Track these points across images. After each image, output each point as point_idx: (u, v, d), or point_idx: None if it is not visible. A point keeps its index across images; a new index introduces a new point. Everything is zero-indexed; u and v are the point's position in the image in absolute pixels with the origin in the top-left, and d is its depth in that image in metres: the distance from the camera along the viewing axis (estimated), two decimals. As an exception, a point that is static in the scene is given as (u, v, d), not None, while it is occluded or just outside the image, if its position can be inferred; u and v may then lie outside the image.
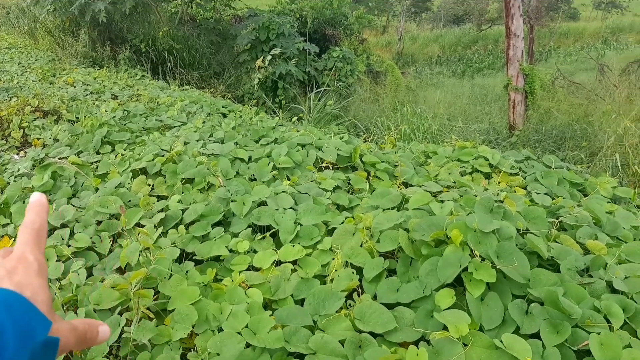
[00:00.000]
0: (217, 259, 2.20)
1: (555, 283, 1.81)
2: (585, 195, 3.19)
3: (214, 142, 3.50)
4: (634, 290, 1.84)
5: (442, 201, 2.49)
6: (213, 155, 3.15)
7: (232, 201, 2.52)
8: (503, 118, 8.88)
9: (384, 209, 2.51)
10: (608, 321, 1.68)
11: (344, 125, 7.17)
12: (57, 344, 0.49)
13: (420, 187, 2.95)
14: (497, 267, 1.81)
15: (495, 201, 2.44)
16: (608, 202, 3.01)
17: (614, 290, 1.88)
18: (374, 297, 1.91)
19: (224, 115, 4.96)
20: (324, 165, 3.27)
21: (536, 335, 1.66)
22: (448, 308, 1.74)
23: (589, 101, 8.45)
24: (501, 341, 1.58)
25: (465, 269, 1.84)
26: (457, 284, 1.90)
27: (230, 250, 2.18)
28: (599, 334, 1.59)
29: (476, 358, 1.58)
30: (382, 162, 3.37)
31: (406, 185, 3.16)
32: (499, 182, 3.22)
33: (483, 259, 1.87)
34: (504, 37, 8.89)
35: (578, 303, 1.75)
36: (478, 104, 10.48)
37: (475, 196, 2.67)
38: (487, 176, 3.39)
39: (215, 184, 2.79)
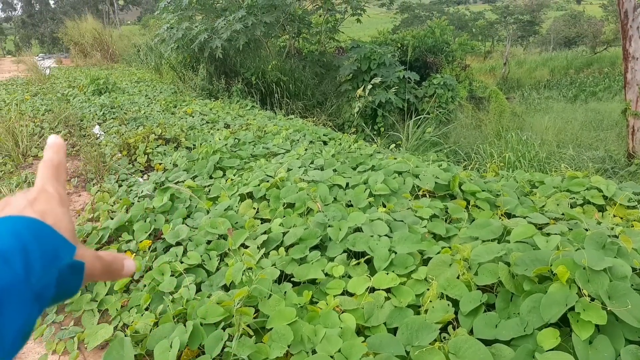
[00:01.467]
0: (313, 281, 2.28)
1: (678, 330, 1.63)
2: None
3: (314, 169, 3.66)
4: None
5: (548, 234, 2.36)
6: (313, 181, 3.29)
7: (329, 226, 2.61)
8: (621, 145, 8.11)
9: (483, 241, 2.44)
10: None
11: (443, 152, 7.04)
12: (83, 267, 0.51)
13: (525, 218, 2.81)
14: (609, 308, 1.68)
15: (609, 236, 2.26)
16: None
17: None
18: (470, 332, 1.86)
19: (325, 143, 5.15)
20: (420, 193, 3.25)
21: (654, 387, 1.51)
22: (551, 349, 1.65)
23: None
24: (612, 389, 1.46)
25: (572, 309, 1.73)
26: (562, 324, 1.79)
27: (326, 274, 2.26)
28: None
29: (583, 405, 1.47)
30: (483, 190, 3.26)
31: (509, 216, 3.03)
32: (613, 216, 2.96)
33: (592, 299, 1.75)
34: (621, 60, 8.21)
35: None
36: (592, 130, 9.68)
37: (587, 230, 2.49)
38: (601, 209, 3.13)
39: (314, 209, 2.90)
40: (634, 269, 1.98)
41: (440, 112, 10.03)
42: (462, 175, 3.51)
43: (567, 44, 32.92)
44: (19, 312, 0.42)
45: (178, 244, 2.70)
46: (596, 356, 1.61)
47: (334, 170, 3.57)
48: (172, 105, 7.75)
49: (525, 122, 9.65)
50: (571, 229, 2.55)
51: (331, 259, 2.41)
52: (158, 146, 5.13)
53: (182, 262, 2.46)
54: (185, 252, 2.58)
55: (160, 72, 12.64)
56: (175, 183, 3.62)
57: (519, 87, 22.50)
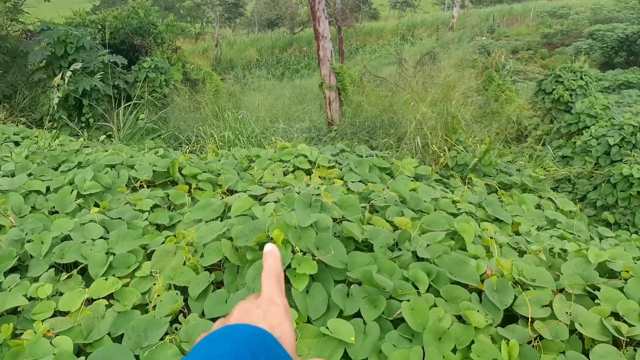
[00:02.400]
0: (14, 311, 1.88)
1: (370, 262, 1.95)
2: (393, 178, 3.54)
3: (2, 177, 3.01)
4: (434, 255, 2.08)
5: (265, 203, 2.51)
6: (0, 192, 2.70)
7: (28, 241, 2.18)
8: (322, 115, 9.44)
9: (207, 221, 2.43)
10: (416, 287, 1.87)
11: (161, 138, 6.82)
12: None
13: (245, 192, 2.93)
14: (317, 258, 1.88)
15: (314, 195, 2.54)
16: (412, 181, 3.38)
17: (419, 259, 2.10)
18: (202, 315, 1.83)
19: (17, 144, 4.31)
20: (138, 184, 3.04)
21: (359, 314, 1.76)
22: (277, 308, 1.75)
23: (392, 92, 9.43)
24: (327, 327, 1.64)
25: (290, 266, 1.87)
26: (285, 282, 1.92)
27: (30, 298, 1.88)
28: (408, 300, 1.75)
29: (306, 349, 1.62)
30: (204, 172, 3.27)
31: (232, 192, 3.12)
32: (318, 177, 3.38)
33: (304, 253, 1.93)
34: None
35: (390, 276, 1.91)
36: (299, 103, 10.98)
37: (299, 193, 2.75)
38: (308, 172, 3.53)
39: (5, 225, 2.38)
40: (335, 219, 2.29)
41: (154, 97, 9.67)
42: (181, 160, 3.45)
43: (269, 26, 36.06)
44: None
45: None
46: (312, 302, 1.79)
47: (29, 175, 3.01)
48: None
49: (241, 101, 10.22)
50: (285, 194, 2.78)
51: (35, 279, 2.02)
52: None
53: None
54: None
55: None
56: None
57: (232, 67, 23.68)
